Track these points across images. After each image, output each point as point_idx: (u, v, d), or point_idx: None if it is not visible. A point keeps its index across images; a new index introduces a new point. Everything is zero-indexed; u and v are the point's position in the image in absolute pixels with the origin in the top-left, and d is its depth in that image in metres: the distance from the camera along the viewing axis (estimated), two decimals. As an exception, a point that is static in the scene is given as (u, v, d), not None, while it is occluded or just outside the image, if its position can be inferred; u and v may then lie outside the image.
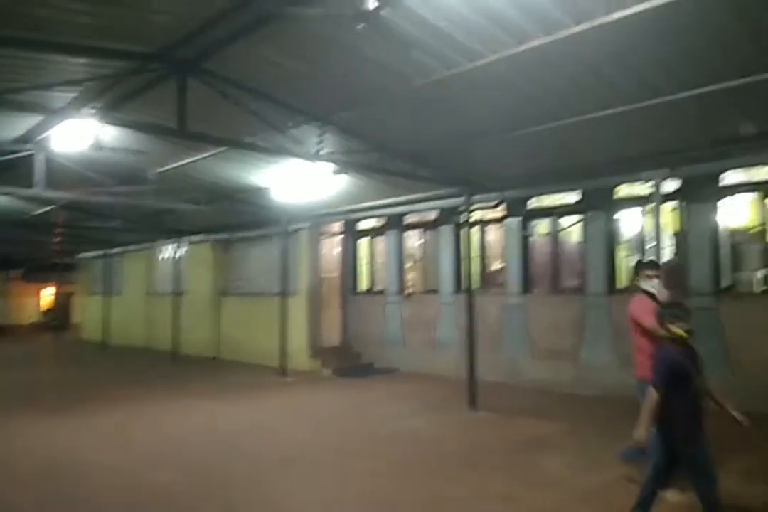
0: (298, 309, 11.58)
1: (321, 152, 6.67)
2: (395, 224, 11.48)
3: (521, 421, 7.09)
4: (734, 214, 7.85)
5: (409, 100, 6.01)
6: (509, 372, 9.45)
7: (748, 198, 7.90)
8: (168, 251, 16.04)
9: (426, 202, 9.96)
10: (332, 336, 12.24)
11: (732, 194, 7.63)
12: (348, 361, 11.63)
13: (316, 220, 11.79)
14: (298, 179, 8.38)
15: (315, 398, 9.02)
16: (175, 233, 14.14)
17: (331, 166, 7.74)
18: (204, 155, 8.36)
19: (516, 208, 9.60)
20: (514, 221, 9.67)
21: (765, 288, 7.37)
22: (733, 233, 7.77)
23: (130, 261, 17.92)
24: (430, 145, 7.29)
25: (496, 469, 5.32)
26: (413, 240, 11.80)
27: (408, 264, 11.74)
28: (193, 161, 8.68)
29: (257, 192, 10.07)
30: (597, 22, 4.21)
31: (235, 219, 12.43)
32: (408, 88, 5.67)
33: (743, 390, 7.12)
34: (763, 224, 7.41)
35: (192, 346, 14.05)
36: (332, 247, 12.79)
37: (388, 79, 5.56)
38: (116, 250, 17.85)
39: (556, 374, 8.92)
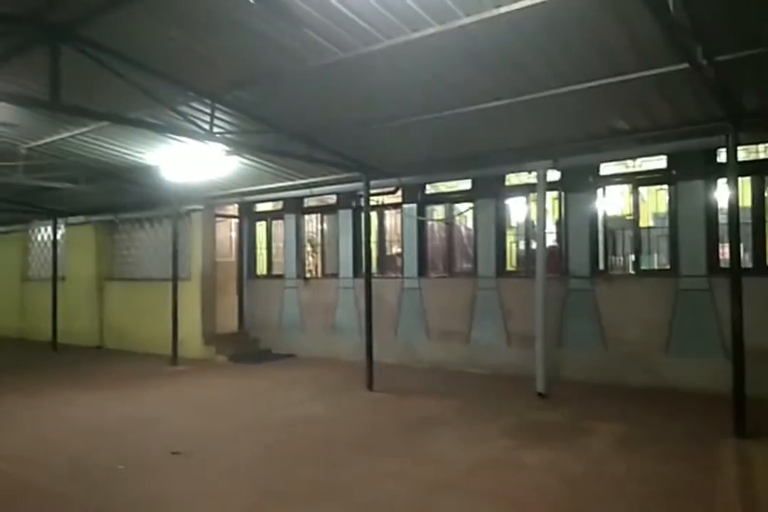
0: (190, 295, 11.14)
1: (213, 131, 6.38)
2: (293, 208, 11.32)
3: (415, 401, 7.33)
4: (610, 202, 8.50)
5: (304, 81, 5.89)
6: (406, 353, 9.71)
7: (623, 188, 8.59)
8: (44, 233, 14.80)
9: (324, 186, 9.89)
10: (228, 322, 11.91)
11: (607, 184, 8.24)
12: (245, 347, 11.40)
13: (210, 201, 11.33)
14: (190, 158, 7.99)
15: (208, 386, 8.76)
16: (51, 214, 13.04)
17: (223, 147, 7.45)
18: (83, 130, 7.73)
19: (413, 194, 9.79)
20: (411, 207, 9.86)
21: (634, 271, 8.06)
22: (609, 220, 8.41)
23: (1, 245, 16.32)
24: (327, 128, 7.22)
25: (389, 449, 5.48)
26: (312, 224, 11.71)
27: (307, 249, 11.65)
28: (71, 136, 8.00)
29: (145, 171, 9.48)
30: (486, 14, 4.33)
31: (121, 199, 11.67)
32: (303, 69, 5.54)
33: (615, 364, 7.84)
34: (635, 212, 8.07)
35: (74, 335, 13.12)
36: (228, 231, 12.39)
37: (282, 58, 5.40)
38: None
39: (449, 354, 9.28)
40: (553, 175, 8.18)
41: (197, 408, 7.27)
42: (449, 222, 9.86)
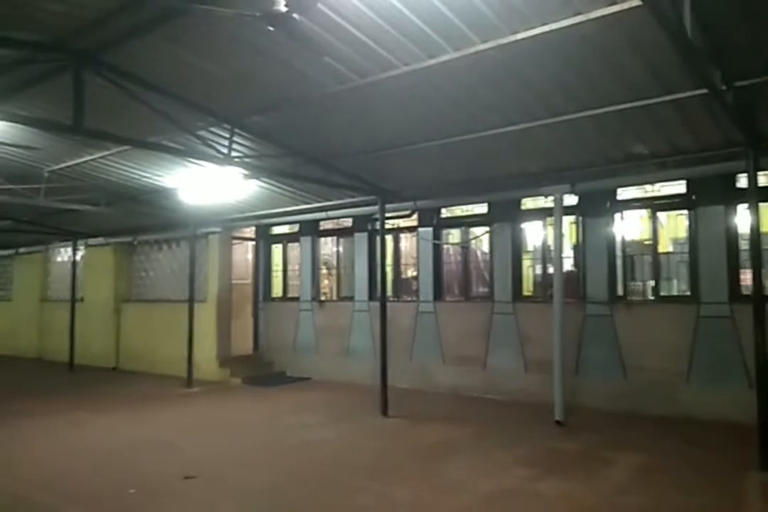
0: (206, 317, 11.17)
1: (232, 155, 6.47)
2: (309, 230, 11.37)
3: (430, 427, 7.20)
4: (628, 227, 8.41)
5: (323, 107, 5.98)
6: (422, 378, 9.58)
7: (641, 213, 8.51)
8: (64, 254, 15.01)
9: (340, 210, 9.94)
10: (243, 344, 11.90)
11: (626, 209, 8.16)
12: (259, 370, 11.35)
13: (227, 224, 11.44)
14: (208, 182, 8.10)
15: (222, 409, 8.70)
16: (71, 235, 13.24)
17: (241, 170, 7.55)
18: (104, 153, 7.89)
19: (428, 218, 9.79)
20: (426, 230, 9.85)
21: (654, 297, 7.92)
22: (627, 245, 8.32)
23: (22, 265, 16.58)
24: (344, 152, 7.29)
25: (403, 476, 5.35)
26: (328, 247, 11.75)
27: (322, 271, 11.66)
28: (92, 159, 8.17)
29: (164, 193, 9.63)
30: (501, 41, 4.37)
31: (140, 221, 11.83)
32: (322, 95, 5.63)
33: (634, 392, 7.65)
34: (654, 237, 7.98)
35: (90, 356, 13.19)
36: (244, 253, 12.46)
37: (301, 84, 5.50)
38: (5, 252, 16.46)
39: (465, 380, 9.14)
40: (571, 200, 8.13)
41: (210, 431, 7.21)
42: (465, 246, 9.82)
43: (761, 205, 5.70)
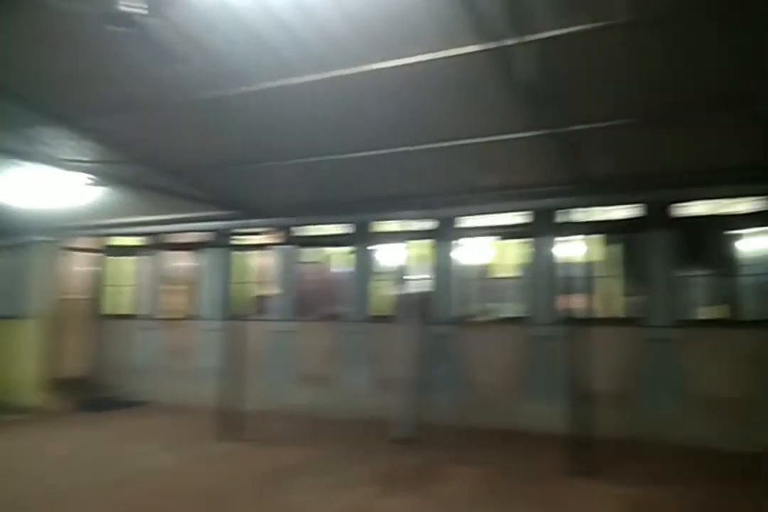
0: (29, 335, 9.97)
1: (68, 158, 5.92)
2: (159, 244, 10.71)
3: (277, 450, 7.01)
4: (476, 253, 9.01)
5: (179, 115, 5.71)
6: (275, 399, 9.33)
7: (488, 240, 9.17)
8: None
9: (194, 223, 9.50)
10: (75, 365, 10.76)
11: (474, 236, 8.74)
12: (94, 394, 10.32)
13: (60, 233, 10.38)
14: (40, 185, 7.30)
15: (47, 439, 7.75)
16: None
17: (83, 175, 6.93)
18: None
19: (288, 235, 9.70)
20: (286, 248, 9.74)
21: (494, 318, 8.53)
22: (474, 270, 8.90)
23: None
24: (202, 163, 7.01)
25: (245, 502, 5.14)
26: (178, 261, 11.12)
27: (171, 287, 10.99)
28: None
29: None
30: (364, 68, 4.52)
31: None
32: (177, 102, 5.39)
33: (475, 408, 8.12)
34: (498, 263, 8.63)
35: None
36: (82, 265, 11.38)
37: (154, 89, 5.21)
38: None
39: (318, 400, 9.08)
40: (427, 224, 8.54)
41: (30, 465, 6.38)
42: (324, 265, 9.86)
43: (584, 237, 6.44)
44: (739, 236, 8.31)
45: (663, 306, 7.40)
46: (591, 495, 5.39)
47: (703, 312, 7.91)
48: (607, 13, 3.69)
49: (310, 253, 10.09)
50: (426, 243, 8.82)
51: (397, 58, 4.36)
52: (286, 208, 8.63)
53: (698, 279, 8.03)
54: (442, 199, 7.64)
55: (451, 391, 8.29)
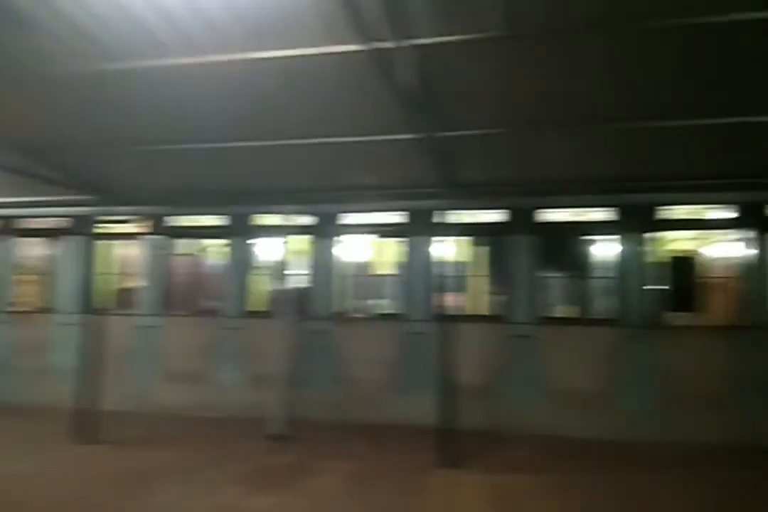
0: None
1: None
2: (6, 229, 9.67)
3: (140, 452, 6.63)
4: (355, 250, 9.11)
5: (39, 90, 5.17)
6: (140, 399, 8.80)
7: (367, 238, 9.30)
8: None
9: (52, 207, 8.70)
10: None
11: (354, 233, 8.82)
12: None
13: None
14: None
15: None
16: None
17: None
18: None
19: (159, 225, 9.19)
20: (155, 238, 9.22)
21: (371, 314, 8.68)
22: (352, 266, 8.99)
23: None
24: (65, 144, 6.42)
25: (103, 508, 4.82)
26: (33, 249, 10.11)
27: (23, 277, 9.97)
28: None
29: None
30: (241, 56, 4.38)
31: None
32: (39, 77, 4.88)
33: (351, 403, 8.21)
34: (376, 261, 8.78)
35: None
36: None
37: (13, 60, 4.69)
38: None
39: (188, 399, 8.69)
40: (307, 220, 8.48)
41: None
42: (197, 257, 9.46)
43: (456, 238, 6.74)
44: (592, 242, 9.17)
45: (525, 305, 7.96)
46: (455, 483, 5.69)
47: (560, 311, 8.63)
48: (482, 27, 3.88)
49: (183, 245, 9.63)
50: (306, 238, 8.77)
51: (277, 49, 4.27)
52: (158, 196, 8.16)
53: (556, 280, 8.74)
54: (321, 195, 7.63)
55: (328, 387, 8.33)
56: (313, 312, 8.54)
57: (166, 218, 9.19)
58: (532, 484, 5.66)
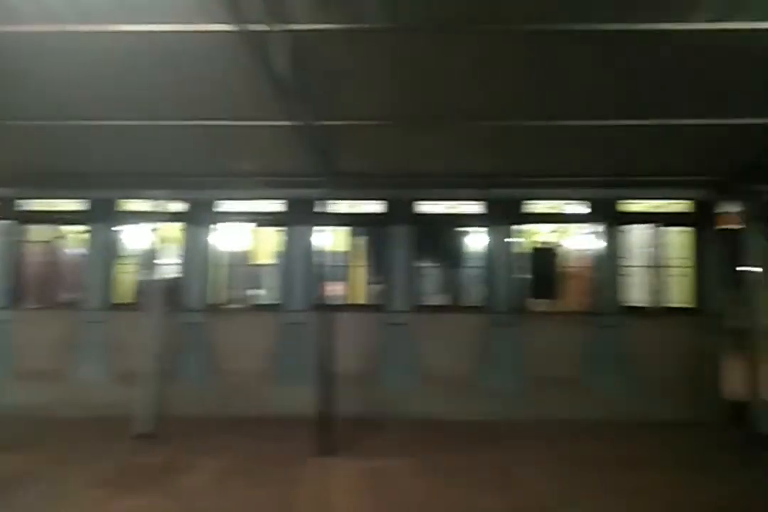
0: None
1: None
2: None
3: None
4: (231, 239, 8.80)
5: None
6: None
7: (244, 226, 9.01)
8: None
9: None
10: None
11: (228, 221, 8.52)
12: None
13: None
14: None
15: None
16: None
17: None
18: None
19: (7, 209, 8.28)
20: (4, 223, 8.30)
21: (248, 305, 8.46)
22: (228, 256, 8.69)
23: None
24: None
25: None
26: None
27: None
28: None
29: None
30: (108, 28, 4.04)
31: None
32: None
33: (226, 396, 7.96)
34: (253, 250, 8.55)
35: None
36: None
37: None
38: None
39: (43, 398, 7.95)
40: (179, 206, 8.05)
41: None
42: (54, 245, 8.65)
43: (336, 228, 6.74)
44: (465, 234, 9.62)
45: (401, 294, 8.19)
46: (334, 470, 5.75)
47: (434, 299, 8.97)
48: (358, 17, 3.88)
49: (38, 231, 8.76)
50: (178, 226, 8.34)
51: (144, 23, 3.99)
52: (6, 177, 7.35)
53: (431, 269, 9.07)
54: (196, 181, 7.29)
55: (201, 381, 8.03)
56: (185, 303, 8.17)
57: (18, 201, 8.33)
58: (406, 467, 5.86)
